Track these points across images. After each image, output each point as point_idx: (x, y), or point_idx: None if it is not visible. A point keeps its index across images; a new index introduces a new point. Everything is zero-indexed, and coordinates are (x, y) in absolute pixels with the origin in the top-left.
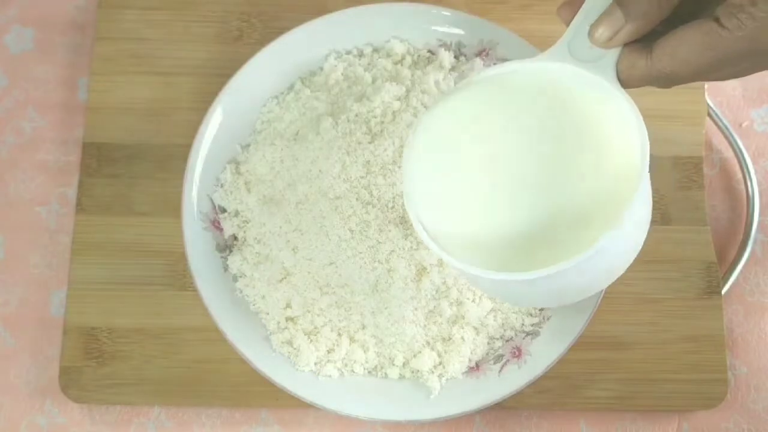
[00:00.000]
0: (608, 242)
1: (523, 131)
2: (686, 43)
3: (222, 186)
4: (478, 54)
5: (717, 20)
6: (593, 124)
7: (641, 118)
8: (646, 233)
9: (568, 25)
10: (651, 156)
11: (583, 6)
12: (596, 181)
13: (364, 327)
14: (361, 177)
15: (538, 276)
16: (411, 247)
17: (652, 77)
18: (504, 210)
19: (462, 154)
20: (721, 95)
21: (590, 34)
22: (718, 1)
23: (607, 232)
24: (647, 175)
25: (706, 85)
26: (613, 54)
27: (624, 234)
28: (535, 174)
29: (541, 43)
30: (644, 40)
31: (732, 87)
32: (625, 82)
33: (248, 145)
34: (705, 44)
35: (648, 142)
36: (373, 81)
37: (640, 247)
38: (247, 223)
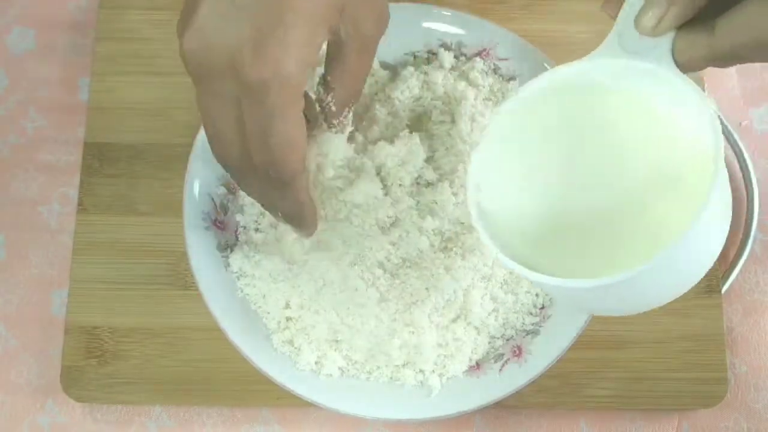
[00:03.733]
0: (689, 238)
1: (584, 129)
2: (754, 15)
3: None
4: (479, 54)
5: None
6: (656, 118)
7: (707, 100)
8: (729, 220)
9: (614, 19)
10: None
11: None
12: (666, 176)
13: (365, 326)
14: None
15: (616, 281)
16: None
17: (715, 55)
18: (572, 210)
19: (530, 155)
20: (720, 94)
21: (636, 24)
22: None
23: (687, 226)
24: (723, 162)
25: (705, 84)
26: (666, 41)
27: (705, 227)
28: (600, 173)
29: (541, 43)
30: (701, 20)
31: (731, 86)
32: (685, 65)
33: None
34: None
35: (719, 125)
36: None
37: (725, 238)
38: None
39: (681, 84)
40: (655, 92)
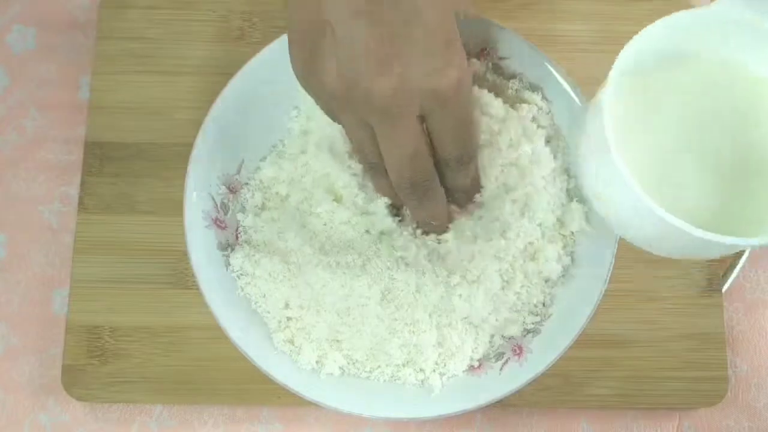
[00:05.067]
0: None
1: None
2: None
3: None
4: (479, 53)
5: None
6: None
7: None
8: None
9: None
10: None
11: None
12: None
13: (365, 325)
14: None
15: None
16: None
17: None
18: (694, 170)
19: (659, 110)
20: None
21: None
22: None
23: None
24: None
25: None
26: None
27: None
28: (727, 145)
29: (542, 42)
30: None
31: None
32: None
33: (265, 157)
34: None
35: None
36: None
37: None
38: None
39: None
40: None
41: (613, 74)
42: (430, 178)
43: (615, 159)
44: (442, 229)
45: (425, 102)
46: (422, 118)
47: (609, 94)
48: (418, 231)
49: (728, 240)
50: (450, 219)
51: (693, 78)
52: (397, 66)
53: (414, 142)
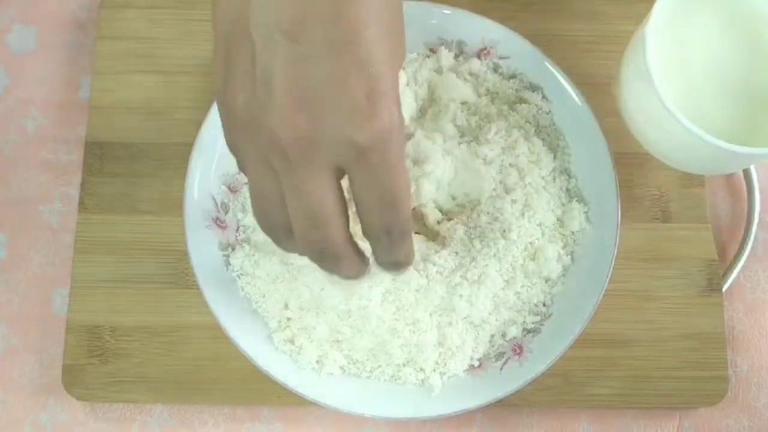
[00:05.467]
0: None
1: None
2: None
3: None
4: (479, 52)
5: None
6: None
7: None
8: None
9: None
10: (651, 155)
11: None
12: None
13: (366, 325)
14: None
15: None
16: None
17: None
18: (718, 97)
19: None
20: None
21: None
22: None
23: None
24: None
25: None
26: None
27: None
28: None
29: (542, 42)
30: None
31: None
32: None
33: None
34: None
35: None
36: None
37: None
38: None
39: None
40: None
41: (655, 10)
42: (338, 249)
43: (654, 83)
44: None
45: (341, 154)
46: (342, 173)
47: (651, 28)
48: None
49: (741, 149)
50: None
51: (717, 18)
52: (314, 109)
53: (322, 197)
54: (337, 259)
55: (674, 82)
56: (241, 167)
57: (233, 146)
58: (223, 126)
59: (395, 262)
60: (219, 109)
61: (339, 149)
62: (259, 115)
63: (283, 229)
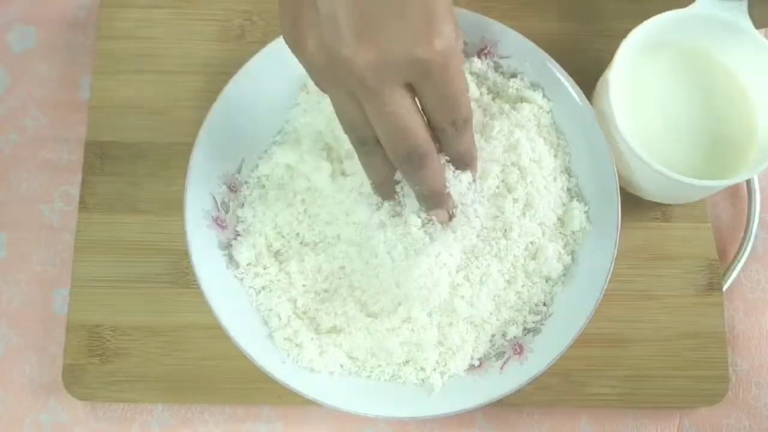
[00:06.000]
0: None
1: (681, 82)
2: None
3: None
4: (479, 51)
5: None
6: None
7: None
8: None
9: None
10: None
11: None
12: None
13: (366, 324)
14: None
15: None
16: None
17: None
18: (674, 140)
19: (647, 94)
20: None
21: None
22: None
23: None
24: None
25: None
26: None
27: None
28: (696, 122)
29: (541, 41)
30: None
31: None
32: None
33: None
34: None
35: None
36: None
37: None
38: (253, 218)
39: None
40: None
41: (617, 58)
42: (425, 147)
43: (619, 126)
44: (443, 215)
45: (410, 73)
46: (412, 88)
47: (614, 73)
48: (415, 223)
49: (697, 182)
50: (453, 204)
51: (674, 62)
52: (380, 36)
53: (402, 112)
54: (425, 157)
55: (636, 123)
56: (334, 105)
57: (320, 87)
58: (310, 76)
59: (461, 152)
60: (300, 61)
61: (407, 68)
62: (332, 53)
63: (374, 141)
